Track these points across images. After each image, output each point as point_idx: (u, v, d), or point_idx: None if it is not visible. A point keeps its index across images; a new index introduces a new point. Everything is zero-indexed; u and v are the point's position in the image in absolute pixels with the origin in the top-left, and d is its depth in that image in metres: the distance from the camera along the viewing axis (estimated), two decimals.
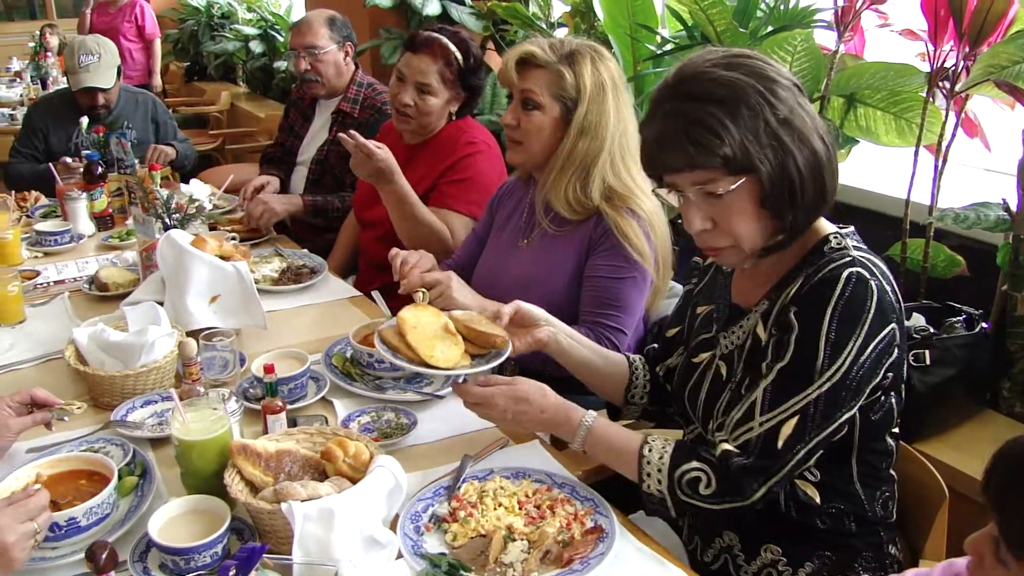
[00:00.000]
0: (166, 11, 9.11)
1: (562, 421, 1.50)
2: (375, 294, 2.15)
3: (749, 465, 1.34)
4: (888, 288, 1.34)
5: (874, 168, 2.87)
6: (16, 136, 3.89)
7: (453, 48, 2.56)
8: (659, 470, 1.40)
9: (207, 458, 1.45)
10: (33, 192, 3.40)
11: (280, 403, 1.64)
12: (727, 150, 1.29)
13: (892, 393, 1.42)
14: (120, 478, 1.54)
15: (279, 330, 2.21)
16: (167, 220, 2.26)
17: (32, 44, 7.24)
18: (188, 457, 1.45)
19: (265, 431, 1.64)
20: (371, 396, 1.86)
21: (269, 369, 1.65)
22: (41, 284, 2.58)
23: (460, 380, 1.60)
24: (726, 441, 1.38)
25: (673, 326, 1.75)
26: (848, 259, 1.34)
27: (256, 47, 6.85)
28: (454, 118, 2.66)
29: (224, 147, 6.25)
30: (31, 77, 6.20)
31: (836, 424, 1.34)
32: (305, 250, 2.80)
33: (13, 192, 3.34)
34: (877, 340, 1.31)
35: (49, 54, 6.71)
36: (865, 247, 1.41)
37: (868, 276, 1.32)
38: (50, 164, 3.16)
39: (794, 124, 1.30)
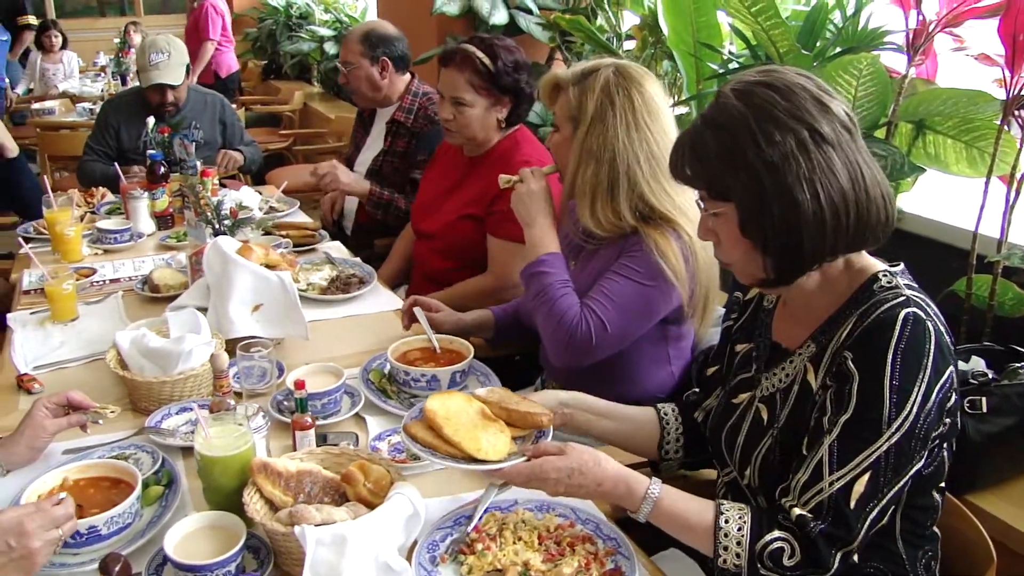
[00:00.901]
0: (248, 10, 9.32)
1: (623, 494, 1.37)
2: (417, 311, 2.15)
3: (827, 532, 1.24)
4: (943, 328, 1.28)
5: (942, 197, 2.76)
6: (91, 132, 3.97)
7: (479, 54, 2.52)
8: (738, 543, 1.29)
9: (229, 474, 1.44)
10: (100, 188, 3.48)
11: (309, 419, 1.64)
12: (706, 176, 1.33)
13: (945, 444, 1.35)
14: (147, 486, 1.55)
15: (322, 340, 2.21)
16: (216, 226, 2.28)
17: (117, 40, 7.46)
18: (210, 472, 1.45)
19: (294, 447, 1.64)
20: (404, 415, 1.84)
21: (300, 385, 1.64)
22: (97, 282, 2.63)
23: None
24: (795, 506, 1.28)
25: (712, 365, 1.69)
26: (902, 298, 1.28)
27: (330, 48, 6.94)
28: (503, 125, 2.61)
29: (294, 147, 6.32)
30: (112, 73, 6.38)
31: (907, 478, 1.26)
32: (358, 259, 2.80)
33: (70, 190, 3.43)
34: (940, 384, 1.25)
35: (131, 51, 6.90)
36: (916, 285, 1.35)
37: (924, 316, 1.26)
38: (115, 163, 3.22)
39: (781, 171, 1.25)
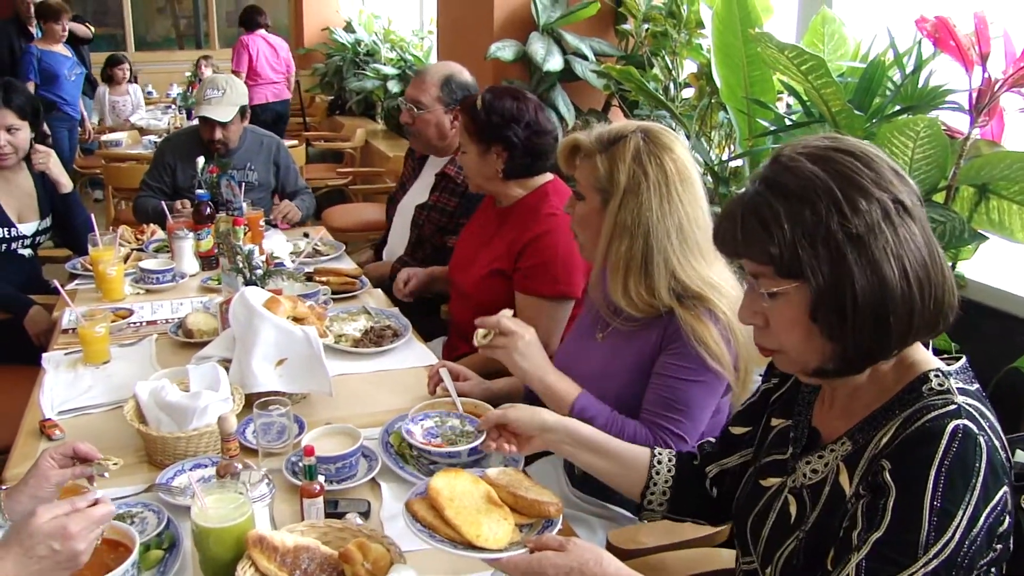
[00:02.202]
0: (318, 45, 9.48)
1: None
2: (443, 372, 2.09)
3: None
4: (998, 444, 1.14)
5: (1006, 265, 2.61)
6: (148, 168, 4.03)
7: (479, 100, 2.50)
8: None
9: (224, 546, 1.40)
10: (151, 225, 3.51)
11: (317, 487, 1.58)
12: (774, 249, 1.17)
13: (994, 568, 1.20)
14: (147, 549, 1.52)
15: (348, 396, 2.16)
16: (248, 275, 2.26)
17: (188, 74, 7.63)
18: (204, 543, 1.40)
19: (301, 514, 1.58)
20: (421, 482, 1.77)
21: (309, 451, 1.59)
22: (134, 323, 2.63)
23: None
24: None
25: (741, 424, 1.57)
26: (953, 407, 1.14)
27: (393, 87, 6.99)
28: (501, 175, 2.52)
29: (351, 185, 6.35)
30: (178, 107, 6.51)
31: None
32: (396, 309, 2.74)
33: (121, 227, 3.47)
34: (990, 508, 1.11)
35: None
36: (975, 388, 1.21)
37: (976, 431, 1.12)
38: (163, 202, 3.24)
39: (867, 243, 1.14)
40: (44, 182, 3.24)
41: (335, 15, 9.55)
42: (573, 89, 4.09)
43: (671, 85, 3.77)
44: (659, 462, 1.60)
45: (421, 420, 1.86)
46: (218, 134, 3.69)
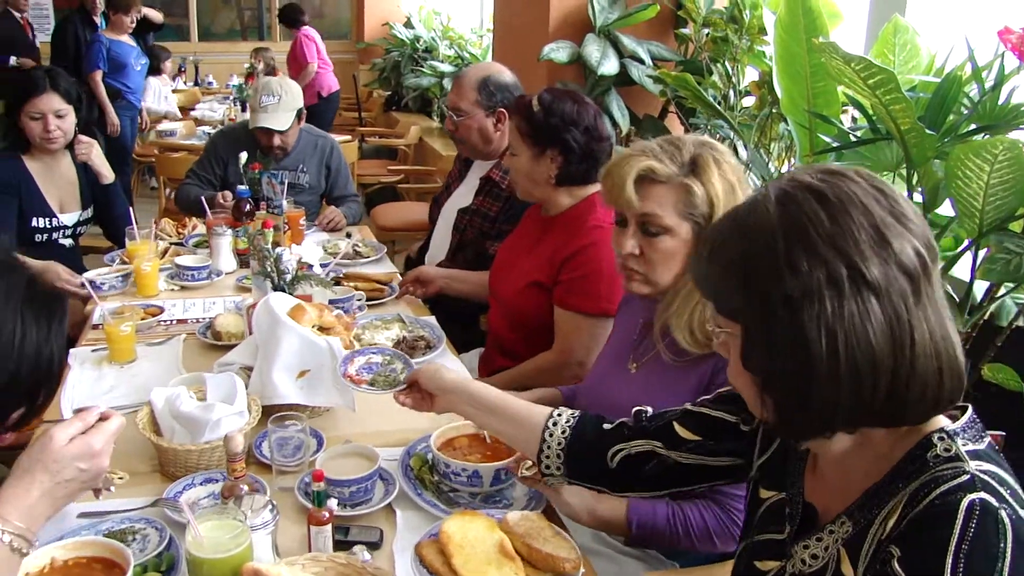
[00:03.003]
0: (378, 40, 9.46)
1: None
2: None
3: None
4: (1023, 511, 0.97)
5: None
6: (198, 158, 3.98)
7: (533, 100, 2.38)
8: None
9: None
10: (192, 219, 3.47)
11: (326, 515, 1.49)
12: (715, 286, 1.08)
13: None
14: (144, 570, 1.45)
15: (372, 411, 2.05)
16: (275, 280, 2.18)
17: (247, 66, 7.65)
18: (198, 573, 1.32)
19: (308, 543, 1.49)
20: (438, 510, 1.67)
21: (318, 476, 1.50)
22: (165, 321, 2.57)
23: None
24: None
25: (690, 430, 1.38)
26: (965, 477, 0.98)
27: (448, 84, 6.90)
28: (553, 181, 2.40)
29: (399, 184, 6.27)
30: (234, 99, 6.51)
31: None
32: (432, 319, 2.65)
33: (163, 219, 3.43)
34: None
35: (256, 77, 7.05)
36: (987, 445, 1.04)
37: (997, 504, 0.95)
38: (201, 197, 3.19)
39: (800, 308, 0.98)
40: (87, 172, 3.22)
41: (396, 10, 9.50)
42: (629, 94, 3.96)
43: (731, 93, 3.62)
44: (554, 423, 1.48)
45: (368, 354, 1.82)
46: (276, 140, 3.63)
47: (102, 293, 2.71)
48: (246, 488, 1.50)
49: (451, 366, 2.34)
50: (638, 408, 1.48)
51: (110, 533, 1.55)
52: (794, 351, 0.99)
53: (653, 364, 1.79)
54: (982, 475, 0.98)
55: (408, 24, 8.65)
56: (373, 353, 1.87)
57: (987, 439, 1.06)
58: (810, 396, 1.00)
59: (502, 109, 3.02)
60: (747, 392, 1.10)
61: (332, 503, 1.62)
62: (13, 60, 6.97)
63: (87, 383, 2.18)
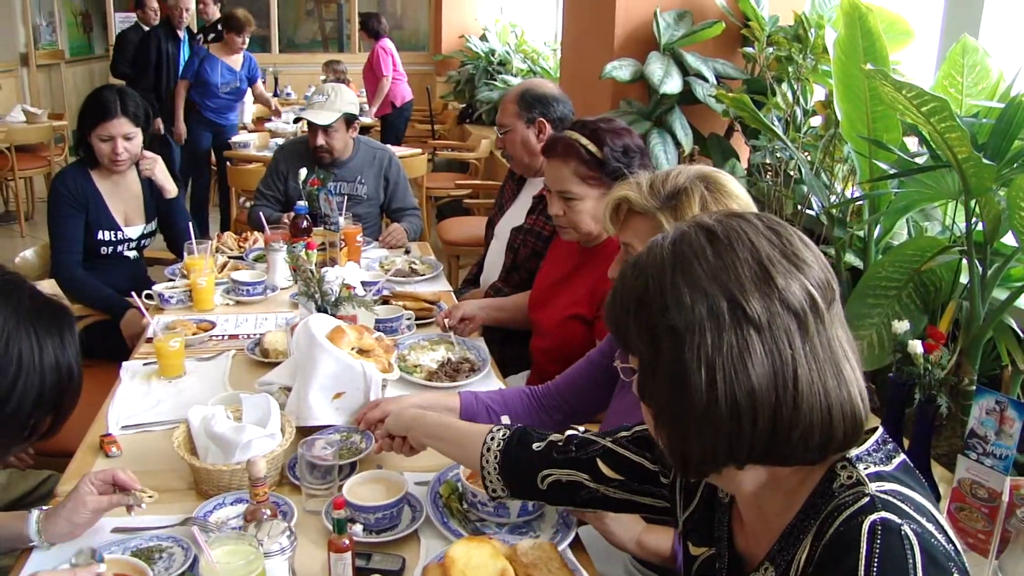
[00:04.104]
0: (454, 52, 9.54)
1: None
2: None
3: None
4: (933, 527, 0.94)
5: None
6: (262, 176, 4.07)
7: (583, 141, 2.29)
8: None
9: None
10: (254, 233, 3.53)
11: (346, 542, 1.48)
12: (613, 319, 1.07)
13: None
14: None
15: None
16: (319, 301, 2.20)
17: (321, 77, 7.78)
18: None
19: (328, 570, 1.50)
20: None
21: (339, 504, 1.50)
22: (217, 336, 2.62)
23: None
24: None
25: (612, 469, 1.40)
26: (865, 501, 0.96)
27: None
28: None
29: (469, 199, 6.29)
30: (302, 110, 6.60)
31: None
32: (481, 340, 2.64)
33: (225, 234, 3.50)
34: None
35: None
36: (896, 465, 1.02)
37: (899, 520, 0.93)
38: (259, 210, 3.25)
39: (681, 339, 0.97)
40: (151, 186, 3.31)
41: (473, 23, 9.58)
42: (693, 112, 3.90)
43: (797, 111, 3.53)
44: (487, 448, 1.53)
45: (324, 436, 1.84)
46: (320, 139, 3.72)
47: (170, 306, 2.81)
48: (268, 512, 1.52)
49: (481, 390, 2.34)
50: (571, 431, 1.50)
51: (138, 550, 1.58)
52: (676, 382, 0.98)
53: None
54: (882, 495, 0.96)
55: (484, 37, 8.70)
56: (328, 434, 1.90)
57: (898, 459, 1.03)
58: (691, 428, 0.99)
59: (542, 119, 3.06)
60: (649, 424, 1.09)
61: (357, 528, 1.63)
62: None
63: (135, 397, 2.23)
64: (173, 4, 6.96)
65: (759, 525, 1.11)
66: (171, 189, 3.32)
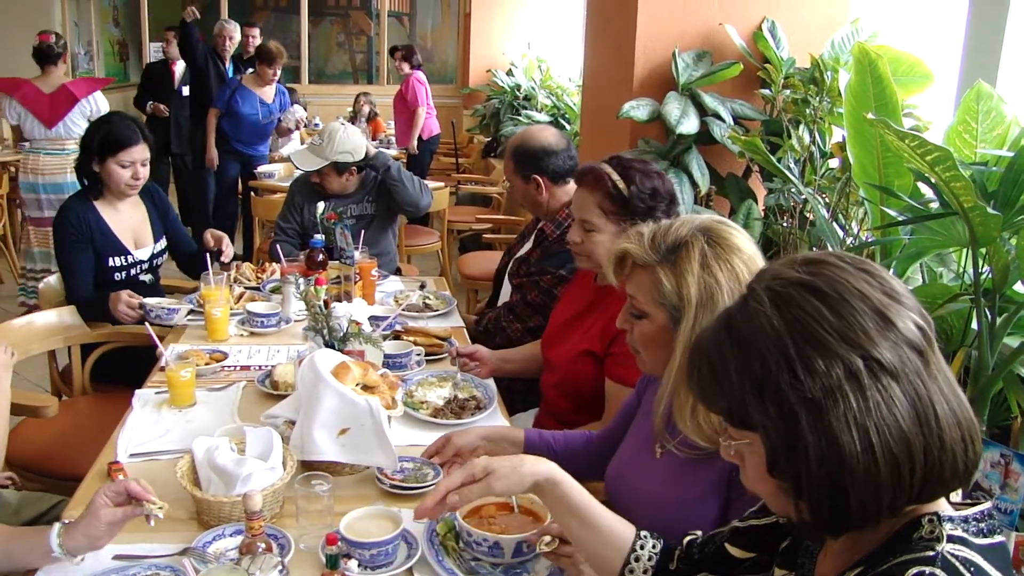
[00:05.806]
0: (481, 86, 9.63)
1: None
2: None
3: None
4: None
5: None
6: (280, 210, 4.12)
7: (614, 176, 2.28)
8: None
9: None
10: (273, 265, 3.58)
11: None
12: (723, 401, 1.04)
13: None
14: None
15: None
16: (326, 336, 2.22)
17: (349, 109, 7.88)
18: None
19: None
20: None
21: (332, 540, 1.52)
22: (229, 366, 2.65)
23: None
24: None
25: (741, 547, 1.37)
26: (929, 555, 0.95)
27: None
28: None
29: (489, 233, 6.32)
30: None
31: None
32: (491, 380, 2.65)
33: (244, 264, 3.55)
34: None
35: (359, 121, 7.24)
36: (990, 543, 1.00)
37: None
38: (276, 244, 3.30)
39: (823, 409, 0.95)
40: (155, 203, 3.38)
41: (500, 57, 9.67)
42: (711, 152, 3.91)
43: (815, 152, 3.53)
44: (641, 547, 1.43)
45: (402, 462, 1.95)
46: (316, 177, 3.84)
47: (162, 321, 2.90)
48: (263, 546, 1.53)
49: (499, 424, 2.34)
50: (689, 537, 1.46)
51: None
52: (827, 453, 0.96)
53: (673, 455, 1.73)
54: (950, 556, 0.95)
55: (510, 72, 8.79)
56: (406, 461, 2.02)
57: (996, 539, 1.01)
58: (850, 494, 0.97)
59: (536, 176, 3.06)
60: (775, 498, 1.07)
61: (352, 564, 1.64)
62: (149, 106, 7.39)
63: (145, 425, 2.26)
64: (217, 32, 7.10)
65: (840, 557, 1.10)
66: (229, 254, 3.41)
